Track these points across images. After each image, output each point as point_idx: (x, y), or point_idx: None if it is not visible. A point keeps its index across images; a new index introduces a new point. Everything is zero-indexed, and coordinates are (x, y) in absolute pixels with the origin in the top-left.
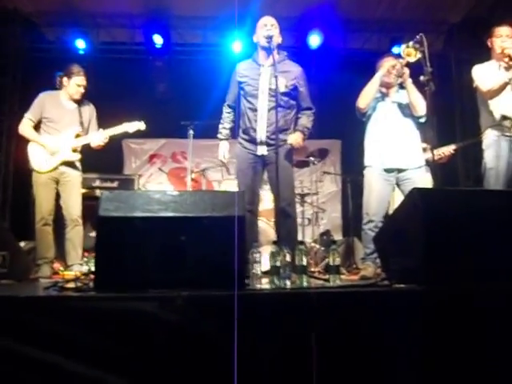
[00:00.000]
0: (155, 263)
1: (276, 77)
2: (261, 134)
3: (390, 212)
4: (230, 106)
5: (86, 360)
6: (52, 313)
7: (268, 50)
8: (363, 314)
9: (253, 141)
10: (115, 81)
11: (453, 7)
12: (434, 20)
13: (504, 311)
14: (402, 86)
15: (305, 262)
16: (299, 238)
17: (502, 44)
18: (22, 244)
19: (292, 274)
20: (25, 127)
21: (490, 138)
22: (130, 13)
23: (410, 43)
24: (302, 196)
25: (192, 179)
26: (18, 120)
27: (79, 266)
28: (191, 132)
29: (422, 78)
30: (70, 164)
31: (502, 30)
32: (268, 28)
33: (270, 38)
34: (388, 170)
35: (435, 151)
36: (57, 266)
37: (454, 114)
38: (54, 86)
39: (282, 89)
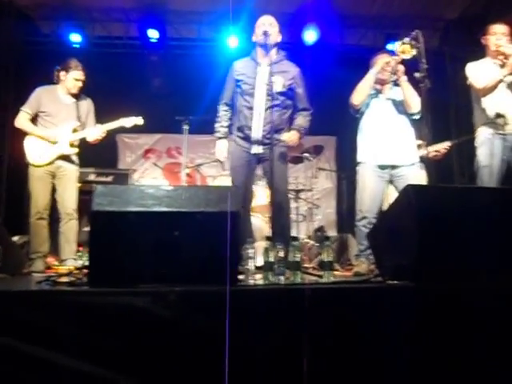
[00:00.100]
0: (148, 258)
1: (272, 76)
2: (256, 132)
3: (384, 209)
4: (227, 104)
5: (78, 355)
6: (44, 307)
7: (265, 47)
8: (357, 310)
9: (247, 139)
10: (110, 75)
11: (449, 4)
12: (430, 17)
13: (497, 308)
14: (396, 83)
15: (298, 258)
16: (293, 233)
17: (496, 42)
18: (16, 238)
19: (286, 269)
20: (21, 120)
21: (482, 135)
22: (126, 7)
23: (406, 39)
24: (297, 192)
25: (186, 174)
26: (12, 113)
27: (73, 260)
28: (186, 127)
29: (417, 74)
30: (67, 158)
31: (497, 28)
32: (266, 27)
33: (265, 33)
34: (382, 167)
35: (430, 148)
36: (50, 260)
37: (448, 111)
38: (48, 80)
39: (279, 88)
